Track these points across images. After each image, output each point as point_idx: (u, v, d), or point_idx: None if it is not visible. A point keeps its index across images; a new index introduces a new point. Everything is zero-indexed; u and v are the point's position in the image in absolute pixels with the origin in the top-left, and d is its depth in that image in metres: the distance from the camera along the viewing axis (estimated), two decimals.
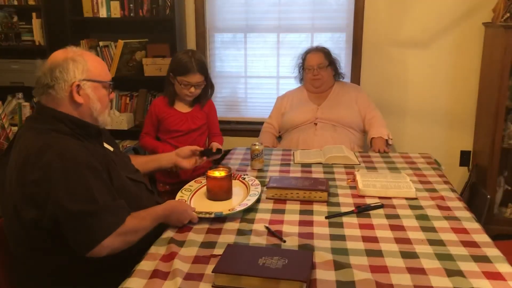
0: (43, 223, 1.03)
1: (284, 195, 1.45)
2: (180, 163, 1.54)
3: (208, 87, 1.86)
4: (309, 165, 1.83)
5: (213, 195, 1.41)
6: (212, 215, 1.28)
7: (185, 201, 1.37)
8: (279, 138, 2.39)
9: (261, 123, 2.48)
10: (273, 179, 1.54)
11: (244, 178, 1.57)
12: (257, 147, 1.77)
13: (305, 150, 2.04)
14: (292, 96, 2.38)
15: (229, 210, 1.31)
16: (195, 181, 1.54)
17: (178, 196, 1.41)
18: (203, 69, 1.80)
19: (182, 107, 1.89)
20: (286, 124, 2.29)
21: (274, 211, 1.36)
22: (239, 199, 1.41)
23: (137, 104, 2.76)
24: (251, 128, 2.82)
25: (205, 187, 1.45)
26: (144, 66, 2.57)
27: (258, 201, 1.42)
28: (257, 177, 1.64)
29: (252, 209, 1.37)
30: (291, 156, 1.96)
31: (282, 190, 1.45)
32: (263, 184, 1.57)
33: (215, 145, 1.76)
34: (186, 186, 1.50)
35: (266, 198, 1.46)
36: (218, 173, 1.41)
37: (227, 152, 2.03)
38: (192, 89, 1.80)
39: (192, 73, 1.76)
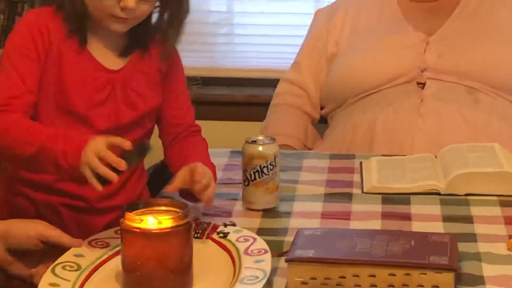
0: None
1: (336, 281, 1.46)
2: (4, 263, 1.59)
3: (173, 3, 1.91)
4: (404, 197, 1.86)
5: (140, 282, 1.44)
6: None
7: None
8: (321, 122, 2.48)
9: (271, 83, 2.55)
10: (306, 236, 1.57)
11: (225, 235, 1.61)
12: (260, 148, 1.81)
13: (393, 157, 2.09)
14: (357, 9, 2.52)
15: None
16: (89, 242, 1.59)
17: (45, 284, 1.44)
18: None
19: (104, 55, 1.91)
20: (342, 84, 2.39)
21: None
22: None
23: None
24: (245, 98, 2.87)
25: (119, 258, 1.48)
26: None
27: None
28: (260, 232, 1.68)
29: None
30: (355, 172, 2.02)
31: (330, 267, 1.46)
32: (276, 248, 1.60)
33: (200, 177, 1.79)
34: (67, 254, 1.54)
35: None
36: (154, 220, 1.43)
37: None
38: None
39: None
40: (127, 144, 1.60)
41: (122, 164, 1.58)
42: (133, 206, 1.46)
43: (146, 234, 1.41)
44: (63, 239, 1.58)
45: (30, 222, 1.61)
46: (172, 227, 1.41)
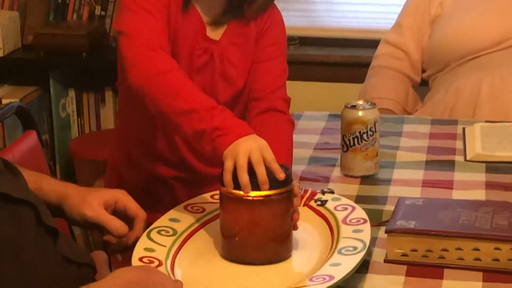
0: None
1: (438, 254, 1.46)
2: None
3: None
4: (509, 167, 1.87)
5: (238, 248, 1.47)
6: None
7: (160, 263, 1.42)
8: (422, 85, 2.50)
9: (370, 44, 2.57)
10: (407, 206, 1.58)
11: (323, 203, 1.62)
12: (360, 113, 1.81)
13: (498, 123, 2.09)
14: None
15: None
16: (185, 207, 1.61)
17: (140, 249, 1.45)
18: None
19: (205, 21, 1.85)
20: (446, 46, 2.39)
21: None
22: (312, 261, 1.46)
23: None
24: (343, 59, 2.88)
25: (217, 222, 1.52)
26: None
27: (365, 265, 1.44)
28: (358, 199, 1.70)
29: None
30: (457, 138, 2.03)
31: (432, 240, 1.46)
32: (375, 217, 1.61)
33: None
34: (162, 219, 1.56)
35: (386, 261, 1.49)
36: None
37: None
38: None
39: None
40: (281, 174, 1.45)
41: (266, 186, 1.43)
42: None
43: (246, 201, 1.41)
44: (128, 203, 1.54)
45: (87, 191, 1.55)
46: (273, 194, 1.41)
